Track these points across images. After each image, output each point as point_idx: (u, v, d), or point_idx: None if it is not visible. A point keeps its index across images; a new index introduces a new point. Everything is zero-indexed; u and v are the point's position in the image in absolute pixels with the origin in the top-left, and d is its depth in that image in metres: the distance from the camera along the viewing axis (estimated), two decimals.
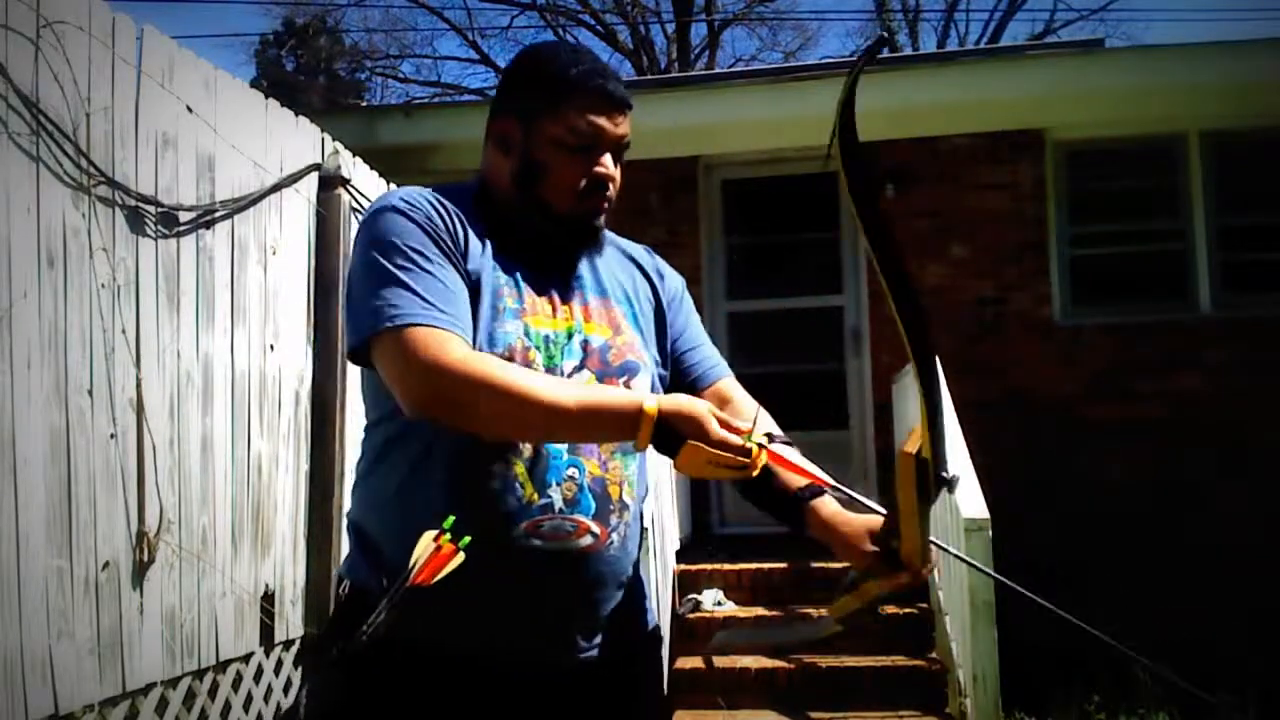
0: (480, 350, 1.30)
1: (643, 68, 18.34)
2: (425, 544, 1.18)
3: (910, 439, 1.25)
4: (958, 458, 3.96)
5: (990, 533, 3.49)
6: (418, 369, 1.23)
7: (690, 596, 4.78)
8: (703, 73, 15.21)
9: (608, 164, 1.39)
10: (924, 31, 20.06)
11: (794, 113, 5.91)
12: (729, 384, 1.57)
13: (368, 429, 1.44)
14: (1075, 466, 5.50)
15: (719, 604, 4.74)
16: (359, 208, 3.87)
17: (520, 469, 1.30)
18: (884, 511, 1.32)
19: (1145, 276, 5.96)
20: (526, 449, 1.31)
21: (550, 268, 1.41)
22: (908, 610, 4.53)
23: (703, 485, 5.93)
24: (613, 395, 1.27)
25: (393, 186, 4.19)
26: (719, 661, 4.38)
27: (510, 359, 1.31)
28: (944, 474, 1.23)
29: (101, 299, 2.59)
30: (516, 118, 1.40)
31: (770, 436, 1.32)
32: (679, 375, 1.54)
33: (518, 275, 1.37)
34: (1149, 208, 6.02)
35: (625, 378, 1.40)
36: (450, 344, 1.25)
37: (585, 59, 1.41)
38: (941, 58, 8.80)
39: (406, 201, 1.35)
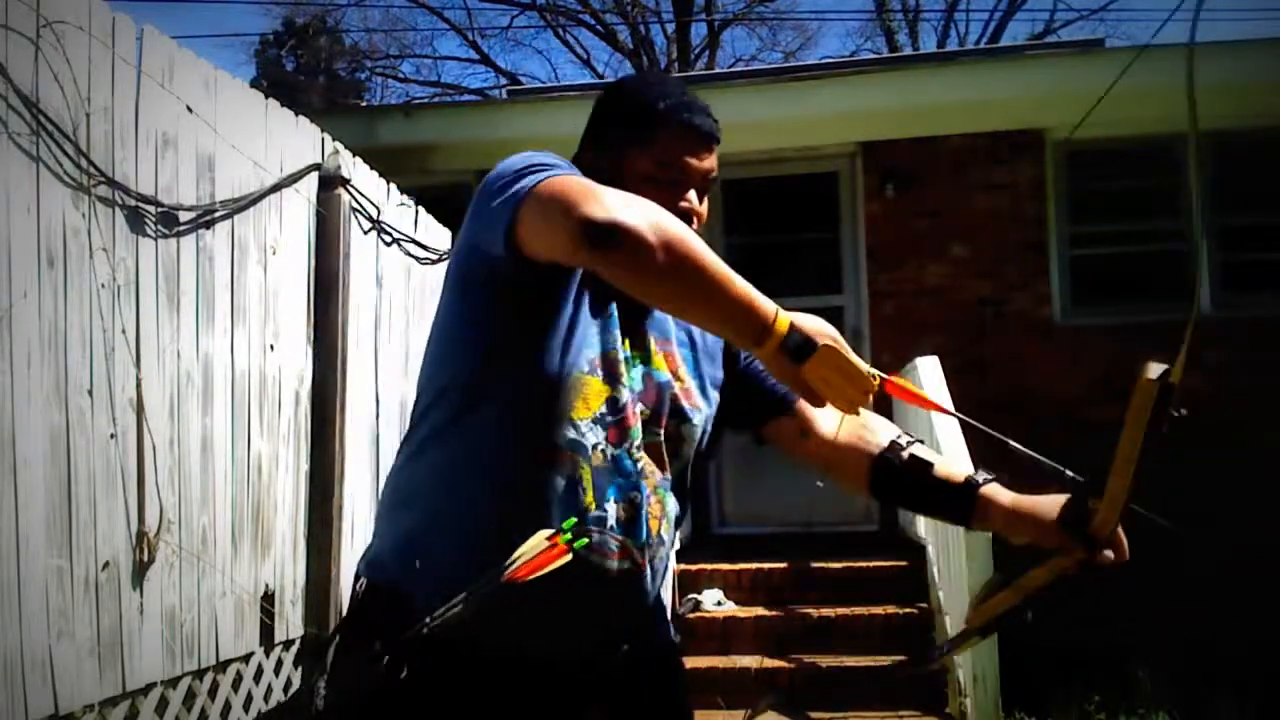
0: (564, 357, 1.29)
1: (642, 68, 18.34)
2: (538, 540, 1.15)
3: (1149, 368, 1.14)
4: (959, 457, 3.96)
5: (990, 533, 3.49)
6: (578, 201, 1.15)
7: (690, 596, 4.78)
8: (703, 73, 15.21)
9: (692, 200, 1.39)
10: (924, 31, 20.09)
11: (794, 113, 5.91)
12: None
13: (432, 404, 1.37)
14: (1075, 466, 5.47)
15: (719, 604, 4.75)
16: (359, 208, 3.87)
17: (587, 474, 1.29)
18: (1078, 477, 1.30)
19: (1145, 276, 5.96)
20: (600, 455, 1.30)
21: (631, 300, 1.37)
22: (908, 610, 4.54)
23: (702, 485, 5.90)
24: (756, 295, 1.20)
25: (393, 186, 4.19)
26: (719, 662, 4.38)
27: (597, 372, 1.31)
28: (1179, 411, 1.13)
29: (101, 299, 2.59)
30: (605, 151, 1.41)
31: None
32: (763, 396, 1.52)
33: (614, 300, 1.36)
34: (1149, 208, 6.02)
35: (676, 422, 1.39)
36: (603, 186, 1.20)
37: (674, 91, 1.41)
38: (941, 58, 8.81)
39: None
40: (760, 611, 4.69)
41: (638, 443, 1.33)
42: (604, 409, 1.31)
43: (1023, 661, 3.79)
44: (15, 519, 2.29)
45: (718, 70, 16.31)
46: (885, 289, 6.07)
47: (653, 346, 1.40)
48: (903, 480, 1.39)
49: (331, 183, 3.68)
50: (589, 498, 1.28)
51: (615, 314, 1.35)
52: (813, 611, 4.60)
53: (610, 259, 1.16)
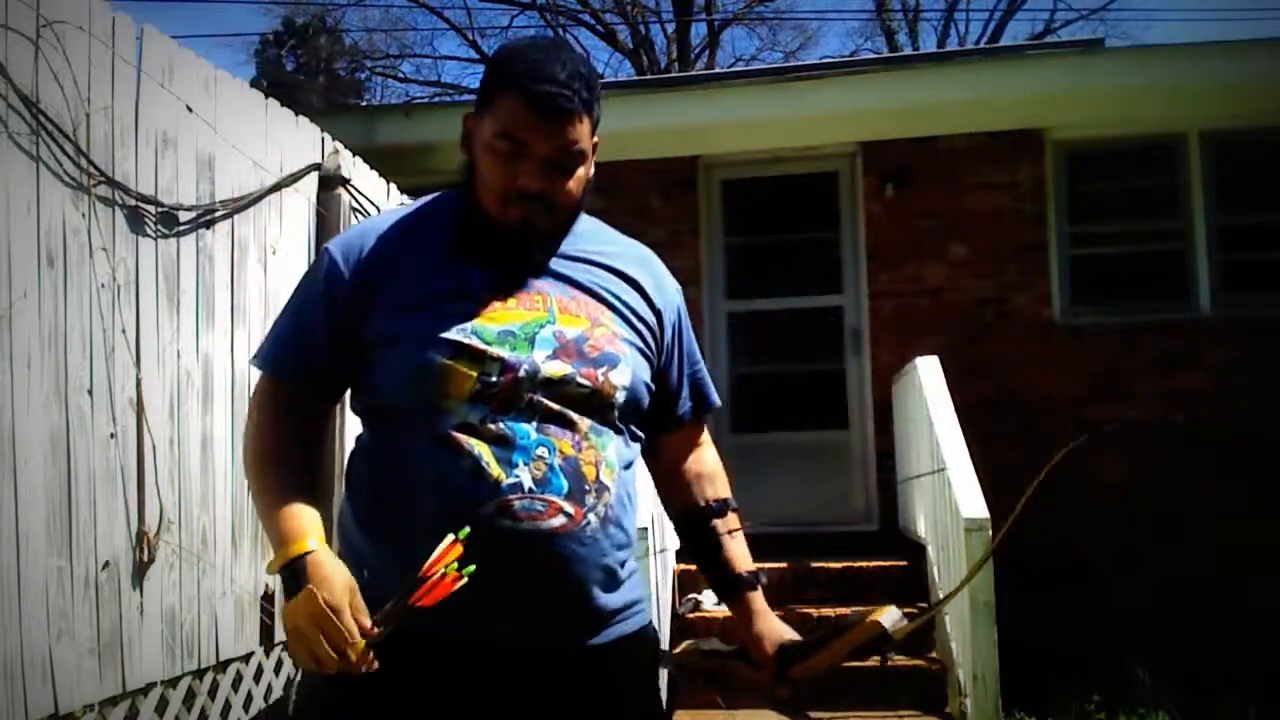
0: (421, 354, 1.33)
1: (643, 68, 18.34)
2: (443, 557, 1.21)
3: (881, 611, 1.39)
4: (958, 457, 3.96)
5: (990, 532, 3.49)
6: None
7: (690, 596, 4.78)
8: (702, 73, 15.20)
9: (531, 176, 1.32)
10: (924, 31, 20.08)
11: (794, 113, 5.91)
12: (705, 438, 1.66)
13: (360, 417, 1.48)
14: (1075, 466, 5.47)
15: (719, 604, 4.74)
16: (359, 208, 3.87)
17: (485, 450, 1.30)
18: (798, 638, 1.51)
19: (1145, 276, 5.96)
20: (490, 428, 1.30)
21: (518, 263, 1.39)
22: (908, 610, 4.53)
23: None
24: (285, 522, 1.32)
25: (393, 186, 4.19)
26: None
27: (458, 356, 1.32)
28: (888, 655, 1.41)
29: (101, 299, 2.59)
30: (475, 114, 1.40)
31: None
32: (666, 394, 1.53)
33: (474, 277, 1.37)
34: (1149, 208, 6.02)
35: (604, 369, 1.37)
36: (263, 403, 1.46)
37: (534, 57, 1.32)
38: (941, 58, 8.80)
39: (339, 242, 1.46)
40: None
41: (523, 405, 1.32)
42: (478, 386, 1.32)
43: (1023, 661, 3.79)
44: (15, 519, 2.28)
45: (717, 70, 16.30)
46: (885, 289, 6.06)
47: (555, 304, 1.39)
48: (699, 544, 1.59)
49: (331, 182, 3.68)
50: (495, 470, 1.29)
51: (476, 291, 1.36)
52: (813, 611, 4.59)
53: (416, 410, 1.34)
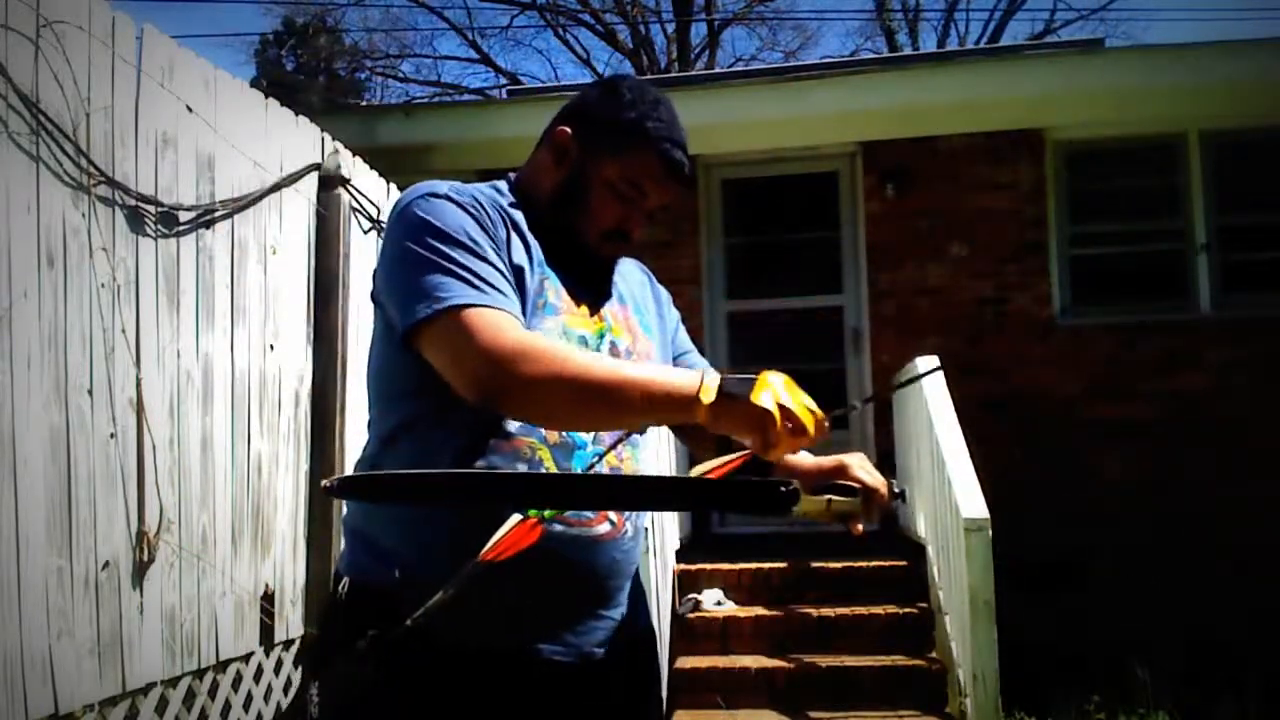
0: None
1: (643, 68, 18.34)
2: (513, 521, 1.13)
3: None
4: (958, 457, 3.96)
5: (990, 532, 3.50)
6: (474, 354, 1.21)
7: (690, 596, 4.77)
8: (703, 73, 15.19)
9: (639, 222, 1.45)
10: (924, 31, 20.10)
11: (794, 113, 5.91)
12: None
13: (379, 414, 1.40)
14: (1075, 466, 5.49)
15: (719, 604, 4.74)
16: (359, 208, 3.87)
17: (545, 453, 1.32)
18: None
19: (1145, 276, 5.96)
20: (552, 435, 1.32)
21: (583, 272, 1.45)
22: (907, 610, 4.54)
23: None
24: (672, 377, 1.23)
25: (393, 186, 4.19)
26: (719, 662, 4.38)
27: None
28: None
29: (101, 299, 2.59)
30: (580, 139, 1.44)
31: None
32: None
33: (557, 275, 1.40)
34: (1149, 208, 6.02)
35: None
36: (506, 325, 1.24)
37: (666, 115, 1.45)
38: (941, 58, 8.80)
39: (454, 190, 1.36)
40: (760, 611, 4.69)
41: None
42: None
43: (1023, 661, 3.79)
44: (15, 519, 2.29)
45: (718, 70, 16.29)
46: (885, 289, 6.07)
47: (613, 316, 1.46)
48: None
49: (331, 182, 3.68)
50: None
51: (551, 297, 1.37)
52: (813, 611, 4.59)
53: (503, 411, 1.26)
